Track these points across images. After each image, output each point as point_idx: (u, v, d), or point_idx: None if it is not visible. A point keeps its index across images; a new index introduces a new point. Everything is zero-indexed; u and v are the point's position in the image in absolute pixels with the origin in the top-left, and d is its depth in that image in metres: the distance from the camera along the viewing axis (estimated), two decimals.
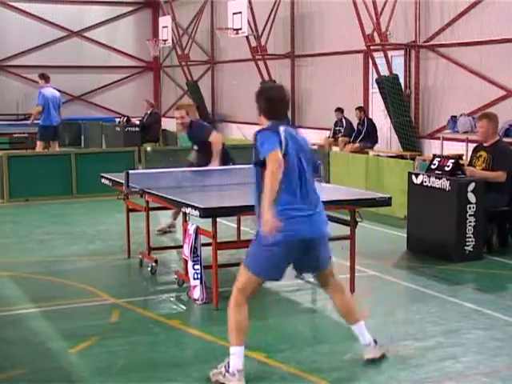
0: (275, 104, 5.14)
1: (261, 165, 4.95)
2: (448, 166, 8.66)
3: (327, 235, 5.24)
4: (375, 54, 17.17)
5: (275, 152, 4.86)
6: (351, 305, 5.45)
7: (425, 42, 16.88)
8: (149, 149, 14.62)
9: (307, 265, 5.28)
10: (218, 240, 6.75)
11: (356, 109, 17.50)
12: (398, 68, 17.27)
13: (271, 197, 4.85)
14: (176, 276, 7.49)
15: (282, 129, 5.02)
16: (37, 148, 15.71)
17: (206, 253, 7.12)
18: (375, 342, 5.42)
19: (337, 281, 5.42)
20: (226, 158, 9.43)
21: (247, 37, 21.30)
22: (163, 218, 10.31)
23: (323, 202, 6.95)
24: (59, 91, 16.27)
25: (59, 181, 13.38)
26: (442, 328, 6.15)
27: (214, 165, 9.07)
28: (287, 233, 4.94)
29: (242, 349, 5.05)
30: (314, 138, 19.71)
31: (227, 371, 5.01)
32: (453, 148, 14.93)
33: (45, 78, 15.81)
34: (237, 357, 5.01)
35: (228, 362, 5.05)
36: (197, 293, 6.85)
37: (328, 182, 11.60)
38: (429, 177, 8.78)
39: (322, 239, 5.16)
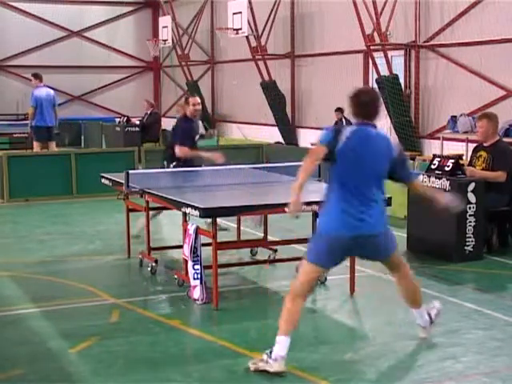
0: (358, 106, 5.51)
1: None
2: (448, 166, 8.66)
3: (382, 232, 5.41)
4: (375, 54, 17.16)
5: (318, 147, 5.31)
6: (416, 291, 5.77)
7: (425, 42, 16.88)
8: None
9: (367, 256, 5.67)
10: (218, 240, 6.76)
11: None
12: (398, 68, 17.26)
13: (301, 181, 5.24)
14: (176, 276, 7.49)
15: (350, 129, 5.34)
16: (34, 149, 15.67)
17: (206, 253, 7.12)
18: (431, 321, 5.85)
19: (405, 267, 5.71)
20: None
21: (247, 37, 21.29)
22: (163, 218, 10.31)
23: (323, 201, 7.00)
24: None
25: (59, 181, 13.38)
26: (442, 328, 6.14)
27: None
28: (338, 229, 5.30)
29: (288, 339, 5.22)
30: (313, 138, 19.77)
31: (269, 357, 5.18)
32: (453, 148, 14.93)
33: (38, 77, 15.75)
34: (281, 345, 5.20)
35: (271, 351, 5.20)
36: (197, 293, 6.85)
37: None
38: (429, 177, 8.78)
39: (376, 236, 5.37)
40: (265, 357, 5.22)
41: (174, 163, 9.30)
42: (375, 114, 5.45)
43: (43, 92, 15.55)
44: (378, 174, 5.38)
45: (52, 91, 16.00)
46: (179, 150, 9.18)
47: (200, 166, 9.33)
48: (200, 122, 9.91)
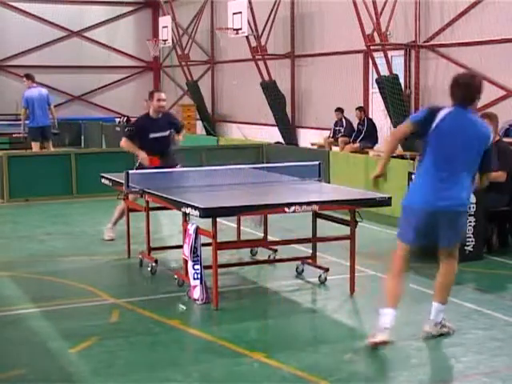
0: (455, 89, 5.62)
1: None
2: None
3: (459, 212, 5.61)
4: (375, 54, 17.16)
5: (407, 123, 5.66)
6: (446, 287, 5.90)
7: (425, 42, 16.88)
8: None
9: (439, 235, 5.71)
10: (218, 240, 6.75)
11: (356, 109, 17.50)
12: (398, 68, 17.27)
13: (384, 157, 5.69)
14: (176, 276, 7.49)
15: (445, 111, 5.53)
16: (33, 149, 15.68)
17: (206, 253, 7.12)
18: (440, 323, 5.87)
19: (452, 262, 5.88)
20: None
21: (247, 37, 21.29)
22: (163, 218, 10.32)
23: (323, 201, 7.02)
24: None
25: (59, 181, 13.38)
26: None
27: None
28: (413, 200, 5.64)
29: (391, 311, 5.61)
30: (313, 138, 19.78)
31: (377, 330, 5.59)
32: None
33: (29, 78, 15.77)
34: (386, 316, 5.59)
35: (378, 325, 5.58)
36: (197, 293, 6.85)
37: (328, 181, 11.61)
38: None
39: (454, 214, 5.59)
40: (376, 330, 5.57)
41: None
42: (469, 98, 5.58)
43: (35, 92, 15.53)
44: (466, 157, 5.55)
45: (45, 90, 15.98)
46: (122, 141, 9.41)
47: (172, 163, 9.33)
48: (171, 119, 9.66)
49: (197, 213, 6.48)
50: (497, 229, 8.99)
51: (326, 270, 7.61)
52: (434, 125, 5.49)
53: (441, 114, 5.52)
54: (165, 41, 26.15)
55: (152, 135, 9.24)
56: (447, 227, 5.64)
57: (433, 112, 5.57)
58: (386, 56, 16.71)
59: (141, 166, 9.28)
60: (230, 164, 9.07)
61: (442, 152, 5.52)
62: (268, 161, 14.27)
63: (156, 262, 7.97)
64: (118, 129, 20.10)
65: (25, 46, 27.51)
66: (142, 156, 9.25)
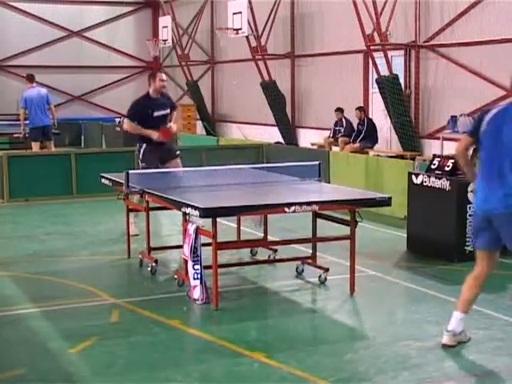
0: None
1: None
2: (448, 166, 8.66)
3: (505, 215, 5.38)
4: (375, 54, 17.16)
5: (463, 137, 5.76)
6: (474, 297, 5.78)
7: (425, 42, 16.88)
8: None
9: (497, 240, 5.57)
10: (218, 240, 6.75)
11: (356, 109, 17.50)
12: (398, 68, 17.27)
13: (464, 170, 5.78)
14: (176, 276, 7.49)
15: (492, 112, 5.50)
16: (33, 149, 15.69)
17: (206, 253, 7.12)
18: (463, 333, 5.77)
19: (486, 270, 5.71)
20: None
21: (247, 37, 21.29)
22: (163, 218, 10.32)
23: (323, 201, 7.02)
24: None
25: (59, 181, 13.38)
26: (442, 328, 6.12)
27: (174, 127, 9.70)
28: (474, 206, 5.72)
29: (457, 314, 5.66)
30: (313, 138, 19.78)
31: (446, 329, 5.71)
32: (453, 148, 14.87)
33: (28, 78, 15.80)
34: (452, 319, 5.68)
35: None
36: (197, 293, 6.85)
37: (328, 181, 11.61)
38: (429, 177, 8.78)
39: (499, 215, 5.41)
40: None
41: (144, 145, 9.54)
42: None
43: (34, 92, 15.54)
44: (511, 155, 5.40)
45: (44, 90, 15.97)
46: (124, 124, 9.76)
47: (171, 146, 9.70)
48: (167, 99, 9.87)
49: (197, 213, 6.48)
50: None
51: (326, 270, 7.61)
52: (481, 130, 5.50)
53: (487, 117, 5.48)
54: (165, 41, 26.15)
55: (156, 113, 9.50)
56: (504, 231, 5.45)
57: (479, 118, 5.57)
58: (385, 56, 16.71)
59: (146, 151, 9.49)
60: (230, 164, 9.07)
61: (488, 154, 5.49)
62: (268, 161, 14.28)
63: (156, 262, 7.97)
64: (118, 129, 20.08)
65: (25, 46, 27.51)
66: (154, 134, 9.43)
